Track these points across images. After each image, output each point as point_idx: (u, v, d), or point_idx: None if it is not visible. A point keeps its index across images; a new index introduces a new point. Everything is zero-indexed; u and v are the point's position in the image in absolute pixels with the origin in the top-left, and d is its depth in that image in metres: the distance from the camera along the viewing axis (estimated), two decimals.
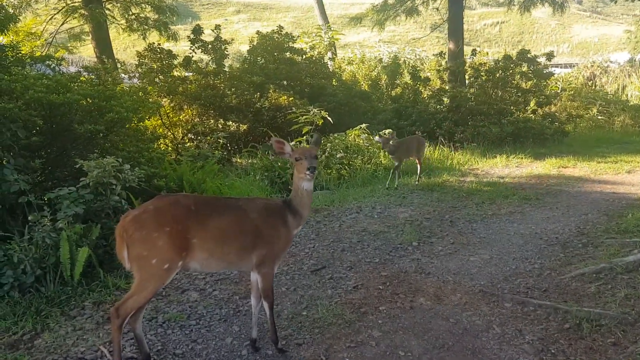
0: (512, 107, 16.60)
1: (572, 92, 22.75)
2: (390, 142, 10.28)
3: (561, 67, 31.21)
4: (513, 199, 9.30)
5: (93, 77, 8.92)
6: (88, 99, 7.39)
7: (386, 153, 11.44)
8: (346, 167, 11.36)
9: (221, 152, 11.20)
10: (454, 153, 13.91)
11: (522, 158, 13.61)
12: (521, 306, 5.09)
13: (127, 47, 39.70)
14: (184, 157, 9.76)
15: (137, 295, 3.65)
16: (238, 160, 12.73)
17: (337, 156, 11.37)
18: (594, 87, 27.76)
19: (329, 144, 11.71)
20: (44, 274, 5.24)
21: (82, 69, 9.25)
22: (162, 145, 12.08)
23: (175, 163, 8.85)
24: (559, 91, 21.40)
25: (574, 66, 32.76)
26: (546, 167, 12.56)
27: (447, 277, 5.83)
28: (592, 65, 31.03)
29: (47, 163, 7.15)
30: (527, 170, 12.27)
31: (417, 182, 10.73)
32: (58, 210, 5.81)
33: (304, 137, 11.20)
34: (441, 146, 14.17)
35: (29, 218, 5.66)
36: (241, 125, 13.90)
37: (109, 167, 6.16)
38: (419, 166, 10.92)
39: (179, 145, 12.41)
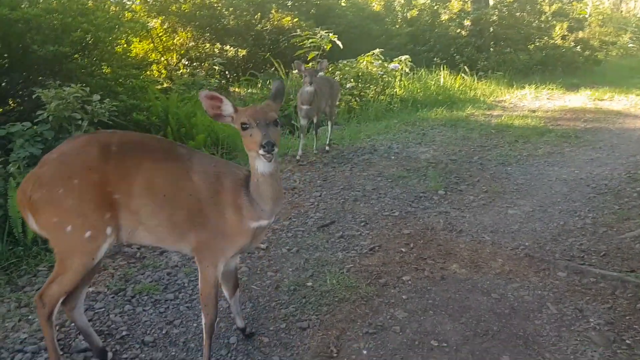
0: (539, 32, 15.17)
1: (602, 17, 21.00)
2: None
3: None
4: (549, 136, 8.25)
5: None
6: (52, 15, 6.14)
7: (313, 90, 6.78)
8: (357, 98, 10.17)
9: (217, 80, 10.03)
10: (477, 83, 12.74)
11: (552, 89, 12.51)
12: (579, 276, 4.11)
13: None
14: (176, 86, 8.64)
15: (60, 276, 2.65)
16: (236, 89, 11.55)
17: (347, 86, 10.17)
18: (621, 13, 25.95)
19: (337, 72, 10.45)
20: None
21: None
22: (155, 72, 10.95)
23: (161, 93, 7.66)
24: (587, 16, 19.72)
25: None
26: (581, 99, 11.43)
27: (483, 236, 4.82)
28: None
29: (4, 93, 6.03)
30: (560, 103, 11.14)
31: (328, 148, 7.47)
32: (11, 151, 4.77)
33: (310, 64, 9.90)
34: (463, 75, 12.90)
35: None
36: (240, 50, 12.72)
37: (72, 97, 5.05)
38: (330, 123, 7.62)
39: (173, 73, 11.22)
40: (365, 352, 3.21)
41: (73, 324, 3.27)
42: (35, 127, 4.96)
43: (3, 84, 6.17)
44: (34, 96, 5.17)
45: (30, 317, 3.51)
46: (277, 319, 3.53)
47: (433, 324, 3.50)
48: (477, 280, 4.04)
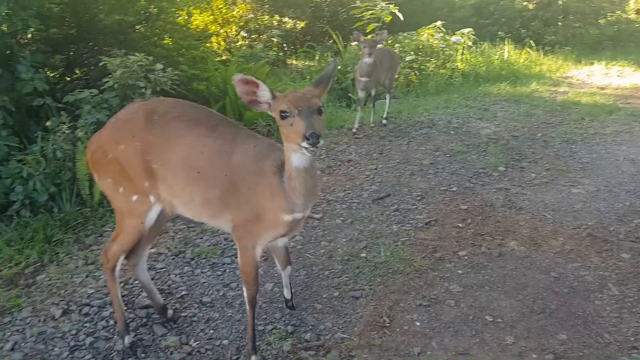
0: (611, 6, 14.40)
1: None
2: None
3: None
4: (618, 115, 7.85)
5: None
6: None
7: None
8: (416, 71, 9.97)
9: (275, 53, 10.03)
10: (543, 58, 12.25)
11: (623, 65, 11.88)
12: None
13: None
14: (235, 58, 8.74)
15: (119, 235, 2.80)
16: (294, 61, 11.54)
17: (407, 59, 9.94)
18: None
19: (397, 44, 10.24)
20: (59, 191, 4.47)
21: None
22: (214, 44, 11.09)
23: (221, 64, 7.76)
24: None
25: None
26: None
27: (544, 214, 4.67)
28: None
29: (72, 61, 6.26)
30: (631, 81, 10.57)
31: (385, 121, 7.29)
32: (79, 117, 4.97)
33: (369, 36, 9.75)
34: (528, 50, 12.43)
35: (47, 124, 4.88)
36: (298, 22, 12.66)
37: (136, 66, 5.19)
38: (388, 96, 7.32)
39: (232, 45, 11.35)
40: (418, 323, 3.21)
41: (136, 282, 3.42)
42: (101, 94, 5.13)
43: (71, 53, 6.40)
44: (100, 64, 5.34)
45: (96, 273, 3.69)
46: (330, 287, 3.56)
47: (489, 299, 3.45)
48: (535, 258, 3.94)
